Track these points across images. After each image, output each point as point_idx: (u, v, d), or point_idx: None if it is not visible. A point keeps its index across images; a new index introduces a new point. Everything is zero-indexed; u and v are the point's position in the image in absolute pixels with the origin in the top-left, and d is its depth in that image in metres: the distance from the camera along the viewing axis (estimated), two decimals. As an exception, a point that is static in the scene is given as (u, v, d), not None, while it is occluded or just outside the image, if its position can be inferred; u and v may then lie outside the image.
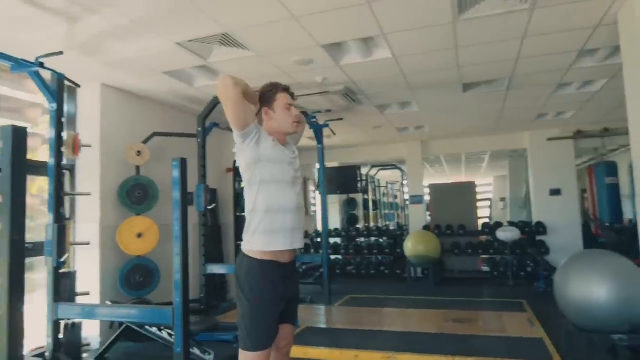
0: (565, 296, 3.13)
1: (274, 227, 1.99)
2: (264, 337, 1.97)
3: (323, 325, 4.99)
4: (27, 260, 4.24)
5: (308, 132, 6.15)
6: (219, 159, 6.43)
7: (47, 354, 3.06)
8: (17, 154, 2.60)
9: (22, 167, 2.65)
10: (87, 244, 4.22)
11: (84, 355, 3.91)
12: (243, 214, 2.10)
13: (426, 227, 8.39)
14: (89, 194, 4.33)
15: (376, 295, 6.57)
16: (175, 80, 4.62)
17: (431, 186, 9.32)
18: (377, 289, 7.09)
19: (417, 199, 8.75)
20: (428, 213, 9.06)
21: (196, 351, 3.54)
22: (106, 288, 4.48)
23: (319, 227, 9.34)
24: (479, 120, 7.05)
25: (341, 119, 6.00)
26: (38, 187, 4.52)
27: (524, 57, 4.23)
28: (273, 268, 2.00)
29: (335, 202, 11.93)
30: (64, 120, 3.40)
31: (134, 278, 4.66)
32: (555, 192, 7.72)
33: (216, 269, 5.31)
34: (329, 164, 10.06)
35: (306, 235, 9.01)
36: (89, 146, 4.35)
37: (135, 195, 4.80)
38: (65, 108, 4.53)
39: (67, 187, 4.51)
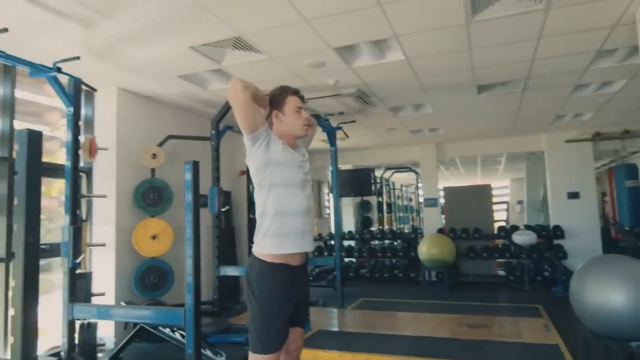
0: (582, 302, 3.06)
1: (284, 230, 1.99)
2: (274, 339, 1.97)
3: (335, 329, 4.98)
4: (45, 261, 4.36)
5: (321, 135, 6.17)
6: (233, 162, 6.48)
7: (62, 354, 3.11)
8: (32, 157, 2.66)
9: (36, 170, 2.71)
10: (103, 245, 4.30)
11: (99, 355, 3.96)
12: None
13: (441, 230, 8.31)
14: (104, 196, 4.41)
15: (389, 299, 6.51)
16: (189, 83, 4.68)
17: (446, 189, 9.23)
18: (390, 293, 7.04)
19: (431, 202, 8.68)
20: (443, 216, 8.97)
21: (208, 353, 3.56)
22: (121, 289, 4.55)
23: (333, 230, 9.33)
24: (495, 122, 6.97)
25: (354, 122, 5.99)
26: (58, 189, 4.61)
27: (539, 58, 4.16)
28: (283, 271, 2.00)
29: (349, 204, 11.91)
30: (80, 123, 3.47)
31: (148, 279, 4.72)
32: (574, 195, 7.57)
33: (229, 271, 5.34)
34: (342, 167, 10.06)
35: (320, 237, 9.00)
36: (105, 149, 4.44)
37: (150, 197, 4.86)
38: (83, 112, 4.64)
39: (84, 190, 4.60)
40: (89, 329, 3.77)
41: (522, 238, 6.97)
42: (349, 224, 11.75)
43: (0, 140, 3.85)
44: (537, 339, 4.19)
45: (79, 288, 3.39)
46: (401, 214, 14.39)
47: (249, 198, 6.61)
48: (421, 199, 10.43)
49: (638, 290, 2.83)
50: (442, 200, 9.12)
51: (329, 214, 10.91)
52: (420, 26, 3.43)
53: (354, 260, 8.95)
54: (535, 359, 3.64)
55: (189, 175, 2.95)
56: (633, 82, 4.90)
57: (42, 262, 4.31)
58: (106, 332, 4.35)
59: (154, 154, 4.96)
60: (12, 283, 2.58)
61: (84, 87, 3.67)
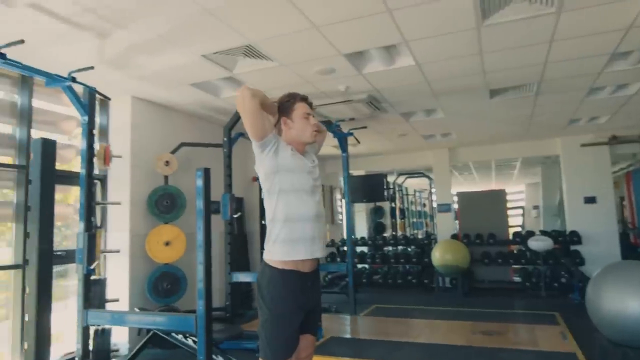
0: (599, 309, 3.00)
1: (294, 236, 1.99)
2: (284, 346, 1.96)
3: (347, 335, 4.96)
4: (62, 267, 4.44)
5: (332, 141, 6.17)
6: (245, 169, 6.52)
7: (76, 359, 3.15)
8: (46, 165, 2.71)
9: (50, 179, 2.76)
10: (117, 251, 4.36)
11: (113, 360, 4.01)
12: (267, 222, 2.12)
13: (454, 236, 8.23)
14: (119, 203, 4.47)
15: (403, 305, 6.47)
16: (201, 91, 4.73)
17: (459, 194, 9.15)
18: (403, 299, 6.98)
19: (444, 208, 8.61)
20: (456, 222, 8.89)
21: (220, 359, 3.57)
22: (135, 295, 4.59)
23: (345, 236, 9.30)
24: (508, 126, 6.90)
25: (365, 127, 5.99)
26: (74, 197, 4.69)
27: (552, 62, 4.12)
28: (294, 277, 1.99)
29: (362, 210, 11.87)
30: (95, 132, 3.53)
31: (161, 285, 4.76)
32: (590, 200, 7.44)
33: (242, 277, 5.35)
34: (355, 172, 10.04)
35: (332, 243, 8.99)
36: (120, 157, 4.51)
37: (163, 204, 4.92)
38: (98, 120, 4.73)
39: (99, 197, 4.68)
40: (103, 335, 3.82)
41: (538, 244, 6.86)
42: (362, 229, 11.70)
43: (18, 149, 3.94)
44: (554, 347, 4.11)
45: (93, 294, 3.44)
46: (415, 220, 14.29)
47: (261, 204, 6.62)
48: (435, 205, 10.34)
49: (657, 298, 2.77)
50: (455, 206, 9.04)
51: (341, 220, 10.88)
52: (430, 31, 3.42)
53: (367, 266, 8.90)
54: (552, 368, 3.57)
55: (200, 182, 2.98)
56: (650, 84, 4.82)
57: (59, 268, 4.42)
58: (120, 338, 4.40)
59: (167, 161, 5.02)
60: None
61: (98, 96, 3.74)
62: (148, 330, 4.06)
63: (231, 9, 2.98)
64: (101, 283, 3.96)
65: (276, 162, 2.01)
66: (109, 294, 4.30)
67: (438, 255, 7.19)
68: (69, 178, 4.26)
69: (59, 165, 4.39)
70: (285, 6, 2.94)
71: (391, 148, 8.66)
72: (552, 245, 6.87)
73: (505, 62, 4.13)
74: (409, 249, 9.42)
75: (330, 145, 7.14)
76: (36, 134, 4.12)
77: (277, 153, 2.01)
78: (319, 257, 2.09)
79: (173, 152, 5.16)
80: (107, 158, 4.18)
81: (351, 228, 6.20)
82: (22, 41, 2.63)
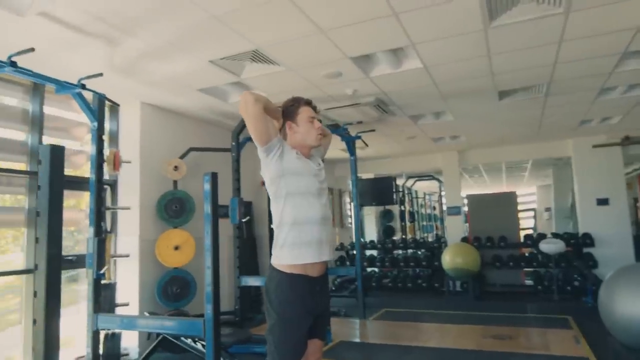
0: (612, 313, 2.95)
1: (302, 239, 1.98)
2: (292, 351, 1.95)
3: (357, 340, 4.93)
4: (74, 272, 4.48)
5: (340, 144, 6.17)
6: (253, 173, 6.54)
7: (87, 363, 3.18)
8: (54, 171, 2.74)
9: (59, 184, 2.79)
10: (127, 256, 4.39)
11: (123, 364, 4.03)
12: (274, 227, 2.11)
13: (465, 239, 8.15)
14: (128, 208, 4.51)
15: (413, 309, 6.42)
16: (210, 96, 4.76)
17: (469, 197, 9.08)
18: (413, 303, 6.93)
19: (454, 210, 8.54)
20: (466, 225, 8.81)
21: (229, 363, 3.57)
22: (145, 299, 4.62)
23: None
24: (518, 128, 6.83)
25: (373, 131, 5.97)
26: (87, 202, 4.74)
27: (561, 62, 4.07)
28: (302, 282, 1.98)
29: (371, 213, 11.84)
30: (104, 137, 3.57)
31: (171, 289, 4.78)
32: (603, 202, 7.33)
33: (251, 281, 5.35)
34: (364, 176, 10.02)
35: (341, 247, 8.96)
36: (129, 162, 4.55)
37: (172, 208, 4.95)
38: (108, 126, 4.79)
39: (109, 202, 4.72)
40: (113, 339, 3.85)
41: (550, 246, 6.77)
42: (372, 233, 11.66)
43: (30, 156, 4.00)
44: (566, 352, 4.05)
45: (103, 298, 3.46)
46: (424, 223, 14.20)
47: (269, 208, 6.64)
48: (445, 207, 10.28)
49: (671, 301, 2.71)
50: (465, 209, 8.97)
51: (350, 223, 10.85)
52: (437, 34, 3.41)
53: (376, 270, 8.86)
54: (564, 373, 3.52)
55: (207, 186, 2.99)
56: (662, 84, 4.74)
57: (71, 273, 4.46)
58: (130, 342, 4.42)
59: (176, 166, 5.06)
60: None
61: (108, 102, 3.78)
62: (158, 335, 4.08)
63: (238, 15, 2.99)
64: (111, 287, 3.99)
65: (281, 165, 2.01)
66: (119, 298, 4.33)
67: (448, 259, 7.13)
68: (80, 183, 4.31)
69: (70, 171, 4.49)
70: (292, 11, 2.95)
71: (400, 151, 8.63)
72: (564, 247, 6.77)
73: (514, 64, 4.10)
74: (419, 253, 9.36)
75: (338, 149, 7.14)
76: (48, 140, 4.17)
77: (283, 157, 2.02)
78: (328, 260, 2.08)
79: (182, 157, 5.20)
80: (116, 163, 4.22)
81: (360, 231, 6.16)
82: (32, 49, 2.68)
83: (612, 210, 7.25)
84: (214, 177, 3.02)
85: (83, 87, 3.25)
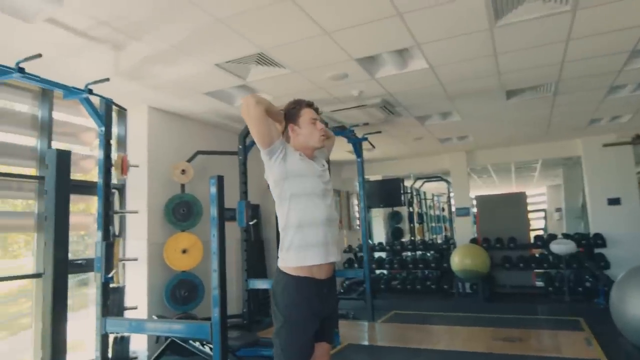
0: (623, 314, 2.90)
1: (308, 241, 1.97)
2: (298, 354, 1.94)
3: (365, 342, 4.90)
4: (84, 276, 4.51)
5: (347, 146, 6.15)
6: (261, 176, 6.48)
7: (95, 367, 3.19)
8: (61, 176, 2.76)
9: (65, 189, 2.81)
10: (135, 259, 4.42)
11: (132, 368, 4.04)
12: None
13: (474, 240, 8.09)
14: (136, 212, 4.54)
15: (422, 312, 6.38)
16: (216, 100, 4.78)
17: (478, 198, 9.01)
18: (422, 305, 6.88)
19: (463, 212, 8.49)
20: (475, 226, 8.74)
21: (237, 366, 3.57)
22: (153, 302, 4.64)
23: (363, 241, 9.24)
24: (526, 127, 6.77)
25: (379, 132, 5.95)
26: (96, 206, 4.77)
27: (569, 61, 4.03)
28: (309, 284, 1.97)
29: (379, 215, 11.79)
30: (112, 142, 3.59)
31: (179, 293, 4.79)
32: (614, 202, 7.23)
33: (259, 283, 5.35)
34: (371, 177, 9.99)
35: (350, 249, 8.94)
36: (137, 166, 4.58)
37: (180, 212, 4.97)
38: (116, 131, 4.83)
39: (117, 206, 4.75)
40: (122, 343, 3.86)
41: (560, 247, 6.69)
42: (380, 235, 11.61)
43: (39, 161, 4.04)
44: (578, 354, 3.98)
45: (112, 302, 3.48)
46: (433, 224, 14.12)
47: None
48: (453, 209, 10.21)
49: (685, 302, 2.66)
50: (474, 210, 8.91)
51: (358, 225, 10.82)
52: (442, 33, 3.39)
53: (385, 272, 8.82)
54: (576, 375, 3.46)
55: (214, 190, 3.00)
56: (673, 81, 4.67)
57: (82, 277, 4.50)
58: (139, 346, 4.44)
59: (184, 170, 5.08)
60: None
61: (116, 107, 3.81)
62: (166, 338, 4.09)
63: (242, 18, 3.00)
64: (120, 291, 4.02)
65: (285, 167, 2.01)
66: (128, 302, 4.35)
67: (457, 260, 7.07)
68: (89, 188, 4.34)
69: (80, 176, 4.53)
70: (296, 13, 2.96)
71: (407, 152, 8.60)
72: (575, 248, 6.68)
73: (521, 63, 4.06)
74: (428, 254, 9.31)
75: (345, 151, 7.13)
76: (57, 145, 4.21)
77: (286, 159, 2.01)
78: (334, 262, 2.06)
79: (189, 160, 5.22)
80: (124, 168, 4.25)
81: (368, 233, 6.14)
82: (39, 55, 2.70)
83: (624, 210, 7.16)
84: (220, 180, 3.03)
85: (90, 92, 3.27)
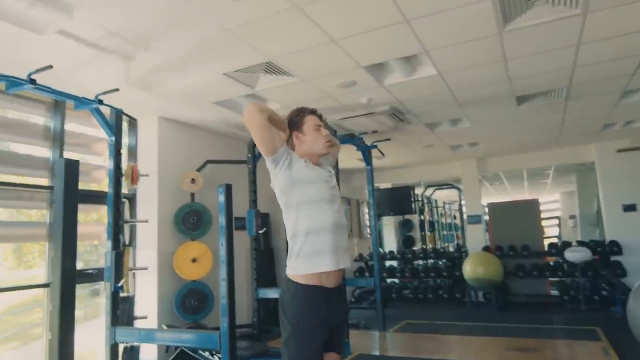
0: (642, 323, 2.82)
1: (317, 247, 1.95)
2: (307, 364, 1.91)
3: (376, 352, 4.84)
4: (97, 285, 4.53)
5: (357, 154, 6.14)
6: (270, 184, 6.55)
7: (105, 376, 3.19)
8: (69, 185, 2.78)
9: (73, 198, 2.83)
10: (145, 269, 4.42)
11: (142, 378, 4.03)
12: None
13: (486, 248, 7.98)
14: (146, 221, 4.55)
15: (434, 321, 6.29)
16: (225, 109, 4.80)
17: (490, 205, 8.91)
18: (434, 314, 6.79)
19: (474, 219, 8.39)
20: (487, 233, 8.64)
21: (246, 376, 3.54)
22: (163, 312, 4.63)
23: (374, 250, 9.17)
24: (538, 133, 6.70)
25: (389, 139, 5.92)
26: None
27: (580, 65, 3.98)
28: (317, 293, 1.94)
29: (389, 223, 11.72)
30: (122, 152, 3.62)
31: (189, 302, 4.78)
32: (630, 208, 7.09)
33: (269, 293, 5.32)
34: (382, 185, 9.94)
35: (360, 258, 8.88)
36: (147, 175, 4.60)
37: (190, 221, 4.98)
38: (127, 140, 4.87)
39: (128, 215, 4.78)
40: (132, 352, 3.85)
41: (575, 255, 6.57)
42: (391, 243, 11.52)
43: (52, 171, 4.08)
44: (595, 364, 3.89)
45: (122, 311, 3.48)
46: (445, 232, 13.99)
47: (286, 219, 6.62)
48: (465, 216, 10.11)
49: None
50: (486, 217, 8.81)
51: (369, 233, 10.76)
52: (450, 39, 3.37)
53: (396, 280, 8.73)
54: (594, 386, 3.37)
55: (222, 198, 3.00)
56: (688, 84, 4.58)
57: (95, 286, 4.52)
58: (149, 355, 4.43)
59: (193, 179, 5.10)
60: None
61: (126, 117, 3.85)
62: (176, 348, 4.07)
63: (249, 27, 3.02)
64: (130, 300, 4.02)
65: (291, 175, 1.99)
66: (138, 311, 4.35)
67: (469, 269, 6.98)
68: (100, 198, 4.37)
69: (94, 186, 4.57)
70: (303, 21, 2.96)
71: (417, 160, 8.55)
72: (590, 256, 6.56)
73: (531, 68, 4.02)
74: (440, 263, 9.21)
75: (354, 159, 7.11)
76: (69, 156, 4.26)
77: (291, 166, 2.00)
78: (345, 268, 2.03)
79: (199, 169, 5.24)
80: (134, 177, 4.27)
81: (378, 242, 6.09)
82: (50, 66, 2.74)
83: (640, 216, 7.02)
84: (228, 188, 3.03)
85: (100, 102, 3.31)
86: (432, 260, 9.42)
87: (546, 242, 8.70)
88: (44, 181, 4.08)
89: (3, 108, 3.92)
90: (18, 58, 3.27)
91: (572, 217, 14.00)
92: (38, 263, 4.26)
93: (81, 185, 4.46)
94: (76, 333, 2.77)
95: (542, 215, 8.97)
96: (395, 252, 9.62)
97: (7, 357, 3.97)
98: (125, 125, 4.73)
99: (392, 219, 11.38)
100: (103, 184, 4.70)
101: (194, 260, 4.86)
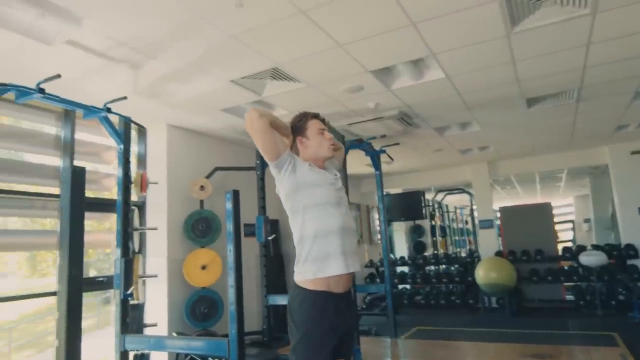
0: (661, 329, 2.73)
1: (325, 251, 1.92)
2: (316, 371, 1.88)
3: (388, 359, 4.77)
4: (109, 293, 4.55)
5: (365, 159, 6.11)
6: (280, 190, 6.54)
7: (115, 384, 3.18)
8: (75, 193, 2.80)
9: (80, 206, 2.84)
10: (155, 276, 4.42)
11: (152, 385, 4.02)
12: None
13: (499, 253, 7.87)
14: (156, 229, 4.56)
15: (446, 327, 6.20)
16: (233, 116, 4.82)
17: (502, 209, 8.80)
18: (447, 321, 6.70)
19: (486, 224, 8.29)
20: (500, 238, 8.52)
21: (256, 384, 3.51)
22: (173, 319, 4.63)
23: (384, 256, 9.10)
24: (549, 136, 6.61)
25: (397, 144, 5.89)
26: (117, 224, 4.83)
27: (591, 66, 3.92)
28: (326, 299, 1.92)
29: (400, 229, 11.64)
30: (131, 160, 3.64)
31: (199, 309, 4.78)
32: (646, 211, 6.95)
33: (278, 299, 5.28)
34: (392, 191, 9.89)
35: (371, 264, 8.81)
36: (156, 183, 4.63)
37: (199, 228, 4.99)
38: (136, 148, 4.91)
39: (137, 223, 4.80)
40: (142, 360, 3.84)
41: (590, 259, 6.45)
42: (402, 249, 11.44)
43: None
44: (613, 371, 3.79)
45: (131, 319, 3.48)
46: (457, 238, 13.86)
47: (295, 225, 6.60)
48: (477, 221, 10.01)
49: None
50: (498, 222, 8.70)
51: (380, 239, 10.69)
52: (458, 42, 3.35)
53: (408, 286, 8.65)
54: (612, 394, 3.28)
55: (229, 205, 3.00)
56: (703, 83, 4.49)
57: (106, 294, 4.53)
58: (159, 363, 4.43)
59: (202, 186, 5.11)
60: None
61: (134, 125, 3.87)
62: (186, 355, 4.06)
63: (255, 33, 3.02)
64: (139, 308, 4.02)
65: (295, 179, 1.98)
66: (148, 319, 4.35)
67: (482, 274, 6.88)
68: (111, 206, 4.40)
69: (105, 194, 4.61)
70: (309, 27, 2.96)
71: (427, 164, 8.49)
72: (606, 260, 6.43)
73: (541, 69, 3.97)
74: (452, 268, 9.11)
75: (363, 164, 7.08)
76: (79, 164, 4.30)
77: (295, 170, 1.99)
78: (354, 272, 2.00)
79: (208, 176, 5.26)
80: (143, 185, 4.29)
81: (389, 248, 6.04)
82: (59, 76, 2.77)
83: (657, 219, 6.87)
84: (236, 194, 3.02)
85: (109, 110, 3.34)
86: (444, 266, 9.32)
87: (560, 246, 8.56)
88: (56, 190, 4.12)
89: (16, 119, 3.98)
90: (27, 68, 3.32)
91: (587, 220, 13.77)
92: (52, 271, 4.30)
93: (92, 194, 4.54)
94: (88, 341, 2.77)
95: (556, 219, 8.84)
96: (407, 258, 9.54)
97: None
98: (134, 133, 4.77)
99: (403, 224, 11.30)
100: (114, 192, 4.73)
101: (203, 267, 4.86)
